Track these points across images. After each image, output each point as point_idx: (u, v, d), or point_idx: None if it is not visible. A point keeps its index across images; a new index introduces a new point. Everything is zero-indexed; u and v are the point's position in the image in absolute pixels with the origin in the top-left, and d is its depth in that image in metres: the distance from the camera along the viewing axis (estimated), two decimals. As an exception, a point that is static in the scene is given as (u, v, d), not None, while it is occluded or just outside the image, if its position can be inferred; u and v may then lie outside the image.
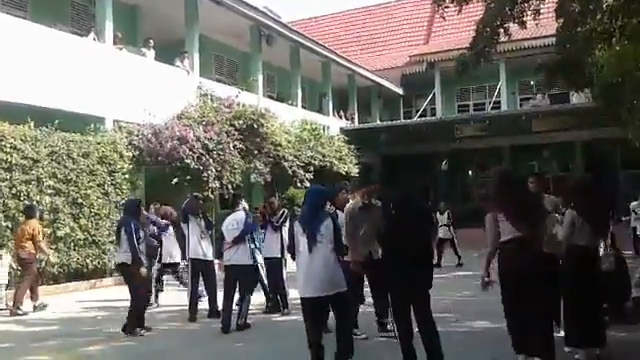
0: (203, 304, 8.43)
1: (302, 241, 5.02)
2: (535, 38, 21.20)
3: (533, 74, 17.67)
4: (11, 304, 9.08)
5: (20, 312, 8.90)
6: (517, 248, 4.84)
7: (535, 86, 23.86)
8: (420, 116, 26.24)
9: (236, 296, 7.60)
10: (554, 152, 22.17)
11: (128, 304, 7.40)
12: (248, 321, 7.55)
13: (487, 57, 10.87)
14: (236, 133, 14.29)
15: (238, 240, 7.57)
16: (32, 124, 10.59)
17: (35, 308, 9.20)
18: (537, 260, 4.79)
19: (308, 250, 4.94)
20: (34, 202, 10.10)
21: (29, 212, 9.47)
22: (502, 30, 10.37)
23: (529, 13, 10.84)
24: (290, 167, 16.50)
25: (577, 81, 12.39)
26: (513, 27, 11.23)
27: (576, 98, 20.99)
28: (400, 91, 27.62)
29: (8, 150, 9.99)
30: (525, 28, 11.05)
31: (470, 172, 24.58)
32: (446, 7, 10.36)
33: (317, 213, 5.11)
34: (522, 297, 4.82)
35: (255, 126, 14.93)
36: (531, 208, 5.16)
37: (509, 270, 4.86)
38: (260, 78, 18.54)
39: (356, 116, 25.43)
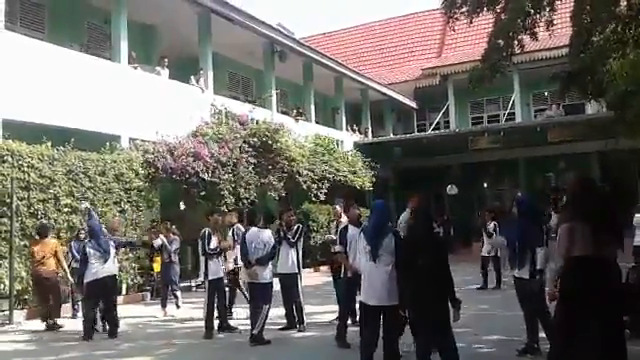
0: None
1: (366, 252, 5.38)
2: (548, 49, 21.13)
3: (547, 85, 17.58)
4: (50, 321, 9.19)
5: (57, 325, 9.08)
6: (598, 266, 4.60)
7: (549, 97, 23.75)
8: (434, 129, 26.18)
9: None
10: (570, 163, 21.96)
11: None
12: (266, 337, 7.59)
13: (502, 70, 10.82)
14: (250, 149, 14.38)
15: (263, 262, 7.71)
16: (49, 143, 10.72)
17: (48, 326, 9.20)
18: (616, 278, 4.65)
19: (373, 262, 5.33)
20: (50, 221, 10.21)
21: (44, 231, 9.54)
22: (516, 42, 10.32)
23: (541, 24, 10.79)
24: (304, 182, 16.52)
25: (591, 90, 12.30)
26: (526, 38, 11.19)
27: (591, 108, 20.84)
28: (413, 104, 27.62)
29: (25, 169, 10.10)
30: (537, 40, 11.00)
31: (485, 185, 24.44)
32: (456, 19, 10.34)
33: (382, 228, 5.46)
34: (594, 314, 4.58)
35: (269, 142, 15.01)
36: (616, 219, 4.90)
37: (581, 290, 4.60)
38: (273, 94, 18.65)
39: (370, 130, 25.45)
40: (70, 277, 9.60)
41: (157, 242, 10.96)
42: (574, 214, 4.77)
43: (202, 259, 8.36)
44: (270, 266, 7.88)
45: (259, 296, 7.71)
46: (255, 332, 7.48)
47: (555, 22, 11.29)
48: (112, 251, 8.49)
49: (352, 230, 7.07)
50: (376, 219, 5.62)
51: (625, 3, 10.38)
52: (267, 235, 7.91)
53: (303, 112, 20.38)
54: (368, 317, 5.47)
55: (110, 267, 8.43)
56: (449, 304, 5.09)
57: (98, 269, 8.26)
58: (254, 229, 8.03)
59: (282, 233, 8.50)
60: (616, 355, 4.60)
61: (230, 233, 9.64)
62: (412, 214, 6.80)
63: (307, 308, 8.73)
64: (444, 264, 5.17)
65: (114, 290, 8.74)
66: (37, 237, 9.60)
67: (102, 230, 8.76)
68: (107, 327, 8.51)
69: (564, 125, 20.78)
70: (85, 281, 8.34)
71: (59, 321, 9.32)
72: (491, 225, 12.84)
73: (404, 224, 7.43)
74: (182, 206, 12.81)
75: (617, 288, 4.72)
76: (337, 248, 7.70)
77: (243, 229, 9.09)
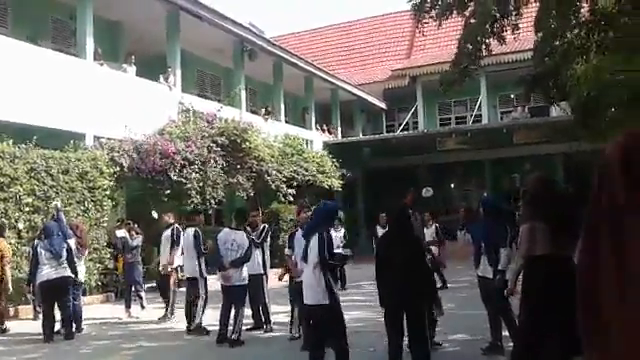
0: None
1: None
2: (515, 52, 21.46)
3: (513, 87, 17.88)
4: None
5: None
6: (555, 265, 4.61)
7: (515, 99, 24.15)
8: (403, 130, 26.41)
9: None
10: (535, 164, 22.37)
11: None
12: (240, 338, 7.56)
13: (470, 75, 10.98)
14: (219, 149, 14.26)
15: (237, 264, 7.61)
16: (10, 141, 10.45)
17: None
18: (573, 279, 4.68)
19: (305, 262, 5.48)
20: (11, 220, 9.95)
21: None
22: (484, 46, 10.48)
23: (508, 29, 10.98)
24: (273, 182, 16.47)
25: (554, 94, 12.55)
26: (493, 42, 11.38)
27: (555, 111, 21.25)
28: (383, 105, 27.80)
29: (-15, 167, 9.85)
30: (505, 44, 11.18)
31: (452, 185, 24.73)
32: (425, 22, 10.46)
33: (314, 229, 5.48)
34: (553, 313, 4.61)
35: (238, 141, 14.92)
36: (575, 220, 5.00)
37: (543, 288, 4.62)
38: (243, 93, 18.54)
39: (339, 130, 25.53)
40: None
41: (119, 233, 10.83)
42: (534, 214, 4.84)
43: (194, 257, 8.38)
44: (245, 268, 7.77)
45: (233, 299, 7.63)
46: (234, 336, 7.44)
47: (521, 26, 11.51)
48: (64, 253, 8.21)
49: (299, 234, 7.13)
50: (311, 221, 5.88)
51: (587, 9, 10.63)
52: (240, 236, 7.76)
53: (272, 111, 20.31)
54: (308, 316, 5.66)
55: (63, 269, 8.16)
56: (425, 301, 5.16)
57: (50, 270, 8.04)
58: (226, 230, 7.95)
59: (247, 234, 8.44)
60: (576, 352, 4.67)
61: (169, 233, 9.52)
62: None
63: (274, 308, 8.70)
64: (420, 261, 5.22)
65: (68, 291, 8.37)
66: None
67: (64, 231, 8.60)
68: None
69: (529, 127, 21.17)
70: (37, 282, 8.16)
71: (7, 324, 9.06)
72: (432, 227, 12.73)
73: None
74: (154, 214, 12.52)
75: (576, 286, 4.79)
76: (286, 252, 7.71)
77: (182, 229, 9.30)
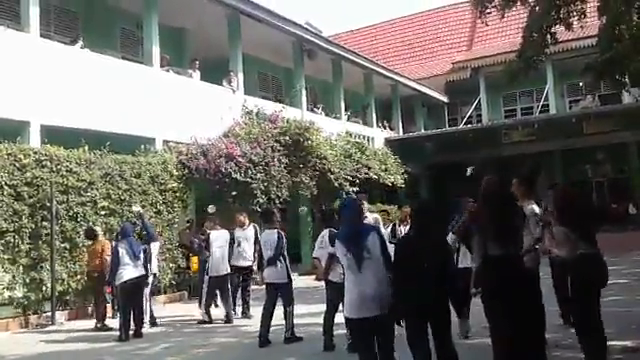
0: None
1: (346, 260, 4.60)
2: (582, 38, 20.62)
3: (581, 76, 17.26)
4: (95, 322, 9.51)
5: (107, 327, 9.31)
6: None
7: (584, 87, 23.26)
8: (466, 123, 25.88)
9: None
10: (608, 155, 21.49)
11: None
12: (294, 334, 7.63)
13: (537, 65, 10.65)
14: (282, 148, 14.44)
15: (271, 262, 7.75)
16: (86, 147, 10.94)
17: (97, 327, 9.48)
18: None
19: (357, 269, 4.52)
20: (90, 224, 10.45)
21: (92, 233, 10.00)
22: (549, 35, 10.16)
23: (575, 15, 10.60)
24: (336, 180, 16.51)
25: (624, 81, 12.04)
26: (560, 29, 11.02)
27: (628, 98, 20.34)
28: (444, 99, 27.35)
29: (64, 173, 10.33)
30: (572, 30, 10.81)
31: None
32: (488, 13, 10.24)
33: (358, 227, 4.73)
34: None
35: (300, 140, 15.06)
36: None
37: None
38: (303, 92, 18.69)
39: (400, 126, 25.29)
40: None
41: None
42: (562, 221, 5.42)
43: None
44: (285, 267, 7.73)
45: (282, 297, 7.74)
46: (287, 334, 7.59)
47: (588, 12, 11.09)
48: (142, 254, 8.72)
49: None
50: (348, 218, 4.95)
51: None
52: (273, 236, 7.89)
53: (317, 103, 20.27)
54: (361, 333, 4.74)
55: (141, 268, 8.69)
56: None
57: (131, 270, 8.51)
58: (266, 230, 8.20)
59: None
60: None
61: (251, 231, 10.05)
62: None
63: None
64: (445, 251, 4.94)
65: (143, 290, 8.93)
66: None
67: (151, 233, 9.46)
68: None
69: (600, 115, 20.34)
70: (118, 282, 8.60)
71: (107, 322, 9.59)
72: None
73: None
74: (211, 209, 12.71)
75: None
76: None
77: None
